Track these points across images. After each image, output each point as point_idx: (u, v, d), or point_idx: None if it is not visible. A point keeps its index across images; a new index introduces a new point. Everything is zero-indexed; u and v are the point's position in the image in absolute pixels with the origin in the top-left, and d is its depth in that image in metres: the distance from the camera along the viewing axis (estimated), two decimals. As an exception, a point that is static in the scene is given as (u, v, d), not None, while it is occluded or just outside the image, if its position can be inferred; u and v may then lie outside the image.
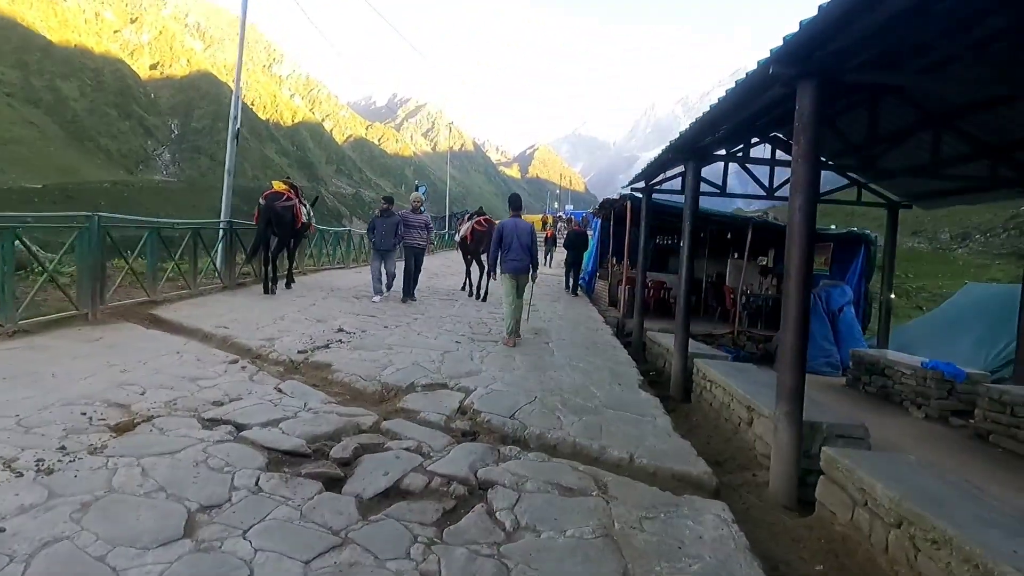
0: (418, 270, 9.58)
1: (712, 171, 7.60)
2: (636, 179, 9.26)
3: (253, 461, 2.96)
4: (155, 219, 7.02)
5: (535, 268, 6.94)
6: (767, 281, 13.33)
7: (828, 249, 12.27)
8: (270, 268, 9.00)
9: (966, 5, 3.57)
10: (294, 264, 9.91)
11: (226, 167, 9.22)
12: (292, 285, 9.39)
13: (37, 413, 3.24)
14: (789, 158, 8.21)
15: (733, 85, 4.49)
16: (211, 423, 3.43)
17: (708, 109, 5.02)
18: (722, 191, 8.73)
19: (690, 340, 7.23)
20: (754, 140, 7.80)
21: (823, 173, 5.62)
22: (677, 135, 6.55)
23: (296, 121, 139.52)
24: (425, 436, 3.66)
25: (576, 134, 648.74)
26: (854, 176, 9.26)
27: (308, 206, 10.33)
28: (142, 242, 6.46)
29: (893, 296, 10.76)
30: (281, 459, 3.06)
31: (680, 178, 8.61)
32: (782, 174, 8.54)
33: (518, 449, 3.63)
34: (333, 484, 2.89)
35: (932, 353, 9.84)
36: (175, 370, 4.34)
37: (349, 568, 2.17)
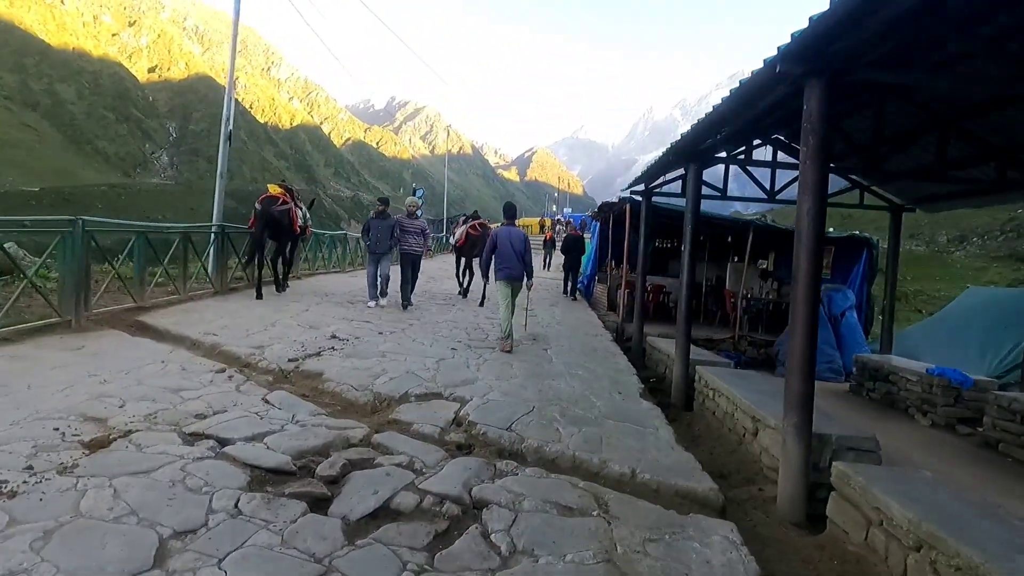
0: (415, 277, 9.33)
1: (711, 173, 7.45)
2: (636, 182, 9.11)
3: (234, 480, 2.79)
4: (142, 223, 6.84)
5: (529, 276, 6.93)
6: (767, 285, 13.19)
7: (830, 253, 12.14)
8: (274, 271, 9.05)
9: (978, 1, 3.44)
10: (289, 269, 9.83)
11: (218, 170, 9.05)
12: (286, 290, 9.23)
13: (6, 429, 3.07)
14: (791, 160, 8.16)
15: (734, 87, 4.36)
16: (192, 438, 3.26)
17: (711, 110, 4.88)
18: (723, 194, 8.60)
19: (691, 346, 7.09)
20: (756, 142, 7.65)
21: (826, 176, 5.51)
22: (676, 137, 6.42)
23: (294, 124, 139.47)
24: (418, 450, 3.49)
25: (574, 137, 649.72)
26: (856, 179, 9.13)
27: (304, 209, 10.32)
28: (129, 247, 6.29)
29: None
30: (264, 477, 2.89)
31: (680, 181, 8.48)
32: (783, 177, 8.43)
33: (515, 464, 3.47)
34: (318, 505, 2.72)
35: (936, 358, 9.71)
36: (158, 380, 4.17)
37: (331, 602, 2.01)
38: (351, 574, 2.18)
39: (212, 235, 8.37)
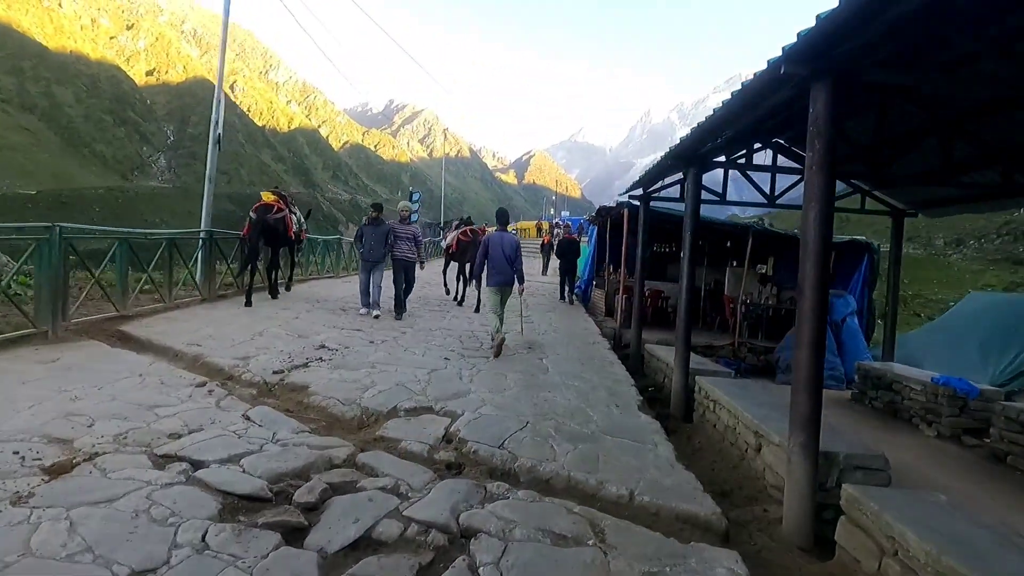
0: (409, 286, 8.99)
1: (709, 178, 7.31)
2: (634, 186, 8.95)
3: (204, 509, 2.60)
4: (124, 228, 6.64)
5: (520, 281, 6.96)
6: (767, 290, 13.04)
7: (830, 258, 11.99)
8: (267, 278, 8.92)
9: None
10: (278, 275, 9.68)
11: (207, 174, 8.86)
12: (290, 291, 9.09)
13: (-37, 452, 2.88)
14: (791, 164, 8.00)
15: (735, 89, 4.19)
16: (164, 460, 3.07)
17: (712, 113, 4.72)
18: (722, 198, 8.44)
19: (690, 353, 6.91)
20: (756, 146, 7.49)
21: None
22: (673, 141, 6.28)
23: (292, 127, 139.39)
24: (404, 472, 3.31)
25: (572, 140, 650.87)
26: (857, 183, 8.98)
27: (299, 215, 10.47)
28: (110, 253, 6.09)
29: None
30: (237, 505, 2.71)
31: (679, 185, 8.31)
32: (783, 181, 8.28)
33: (507, 486, 3.28)
34: (294, 535, 2.53)
35: (937, 365, 9.55)
36: (133, 396, 3.98)
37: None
38: (323, 619, 2.00)
39: (200, 241, 8.16)
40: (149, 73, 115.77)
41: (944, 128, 6.35)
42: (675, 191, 8.63)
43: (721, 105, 4.48)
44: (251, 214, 8.47)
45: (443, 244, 13.38)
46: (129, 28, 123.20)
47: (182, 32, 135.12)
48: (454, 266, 11.49)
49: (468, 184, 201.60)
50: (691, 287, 6.74)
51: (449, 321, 8.91)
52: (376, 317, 8.33)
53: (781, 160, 7.96)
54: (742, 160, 7.36)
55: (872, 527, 2.86)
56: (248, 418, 3.85)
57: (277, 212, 8.72)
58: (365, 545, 2.54)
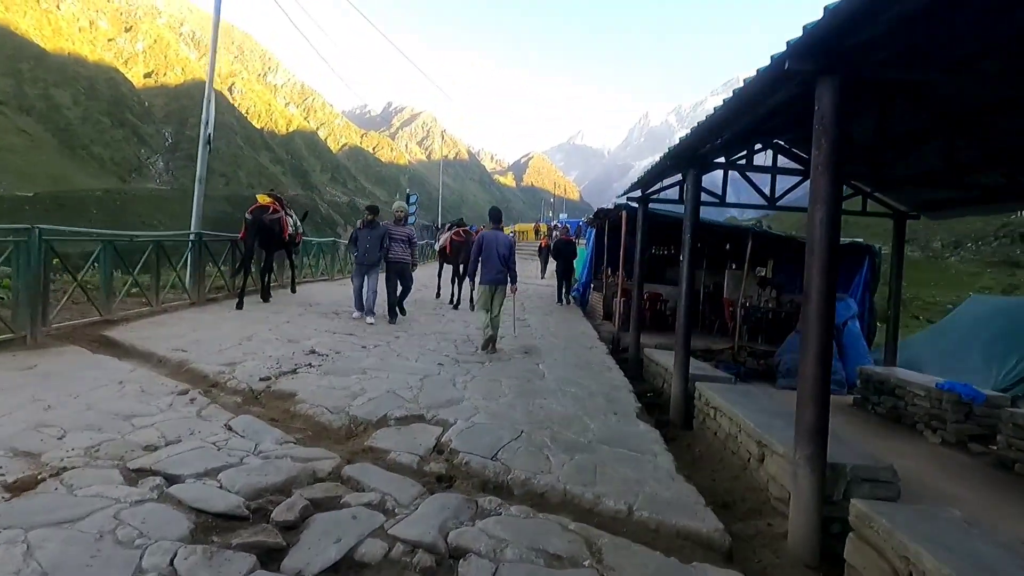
0: (406, 288, 8.73)
1: (709, 180, 7.18)
2: (632, 188, 8.80)
3: (175, 529, 2.44)
4: (107, 230, 6.48)
5: (513, 280, 7.04)
6: (766, 293, 12.90)
7: (837, 262, 11.86)
8: (261, 281, 8.81)
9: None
10: (271, 278, 9.57)
11: (197, 175, 8.70)
12: (269, 299, 8.89)
13: (-78, 468, 2.72)
14: (792, 165, 7.87)
15: (737, 87, 4.05)
16: (136, 475, 2.91)
17: (712, 112, 4.57)
18: (721, 200, 8.30)
19: (690, 358, 6.76)
20: (757, 147, 7.36)
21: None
22: (672, 143, 6.13)
23: (291, 130, 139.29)
24: (392, 485, 3.15)
25: (571, 143, 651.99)
26: (859, 185, 8.85)
27: (295, 217, 10.50)
28: (94, 256, 5.93)
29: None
30: (211, 524, 2.55)
31: (678, 187, 8.18)
32: (783, 183, 8.14)
33: (499, 501, 3.13)
34: (271, 557, 2.38)
35: (940, 368, 9.42)
36: (110, 405, 3.81)
37: None
38: (296, 654, 1.84)
39: (189, 243, 7.99)
40: (147, 75, 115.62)
41: (948, 129, 6.22)
42: (674, 193, 8.49)
43: (722, 104, 4.33)
44: (247, 215, 8.54)
45: (436, 246, 13.32)
46: (127, 30, 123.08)
47: (180, 34, 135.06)
48: (448, 269, 11.36)
49: (466, 186, 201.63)
50: (690, 290, 6.60)
51: (445, 325, 8.76)
52: (370, 323, 8.13)
53: (782, 161, 7.83)
54: (742, 161, 7.23)
55: (884, 546, 2.70)
56: (230, 428, 3.69)
57: (273, 213, 8.76)
58: (346, 567, 2.39)
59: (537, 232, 44.50)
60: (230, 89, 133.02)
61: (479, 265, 6.97)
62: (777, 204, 8.17)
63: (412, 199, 22.63)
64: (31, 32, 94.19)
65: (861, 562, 2.86)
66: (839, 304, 10.63)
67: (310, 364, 5.45)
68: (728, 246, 13.23)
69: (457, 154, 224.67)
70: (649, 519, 3.14)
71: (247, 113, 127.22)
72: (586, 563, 2.59)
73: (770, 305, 12.37)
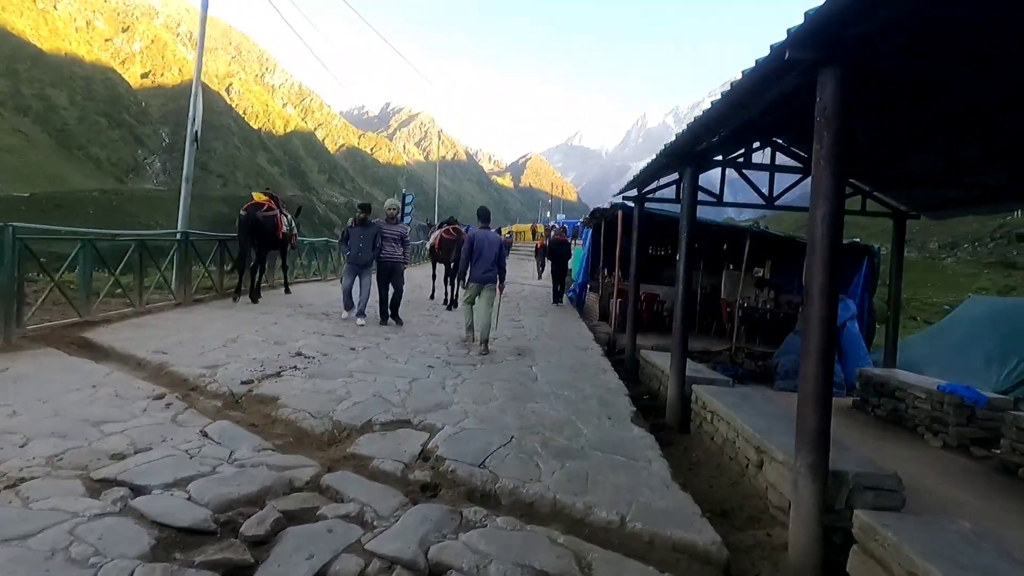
0: (398, 291, 8.36)
1: (706, 179, 7.05)
2: (628, 187, 8.65)
3: (134, 545, 2.28)
4: (88, 229, 6.31)
5: (502, 279, 7.17)
6: (764, 294, 12.77)
7: (840, 261, 11.73)
8: (251, 281, 8.70)
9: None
10: (262, 278, 9.44)
11: (184, 174, 8.53)
12: (258, 300, 8.72)
13: None
14: (791, 163, 7.73)
15: (733, 81, 3.90)
16: (100, 486, 2.75)
17: (709, 107, 4.42)
18: (719, 200, 8.16)
19: (687, 360, 6.61)
20: (755, 145, 7.22)
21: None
22: (670, 140, 5.98)
23: (288, 130, 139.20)
24: (373, 495, 3.00)
25: (568, 144, 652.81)
26: (858, 184, 8.72)
27: (290, 216, 10.47)
28: (72, 256, 5.76)
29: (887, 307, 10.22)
30: (174, 540, 2.38)
31: (674, 187, 8.03)
32: (782, 181, 8.01)
33: (485, 512, 2.97)
34: (236, 576, 2.22)
35: (940, 370, 9.29)
36: (80, 410, 3.65)
37: None
38: None
39: (175, 242, 7.82)
40: (144, 76, 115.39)
41: (950, 127, 6.08)
42: (671, 192, 8.35)
43: (720, 97, 4.18)
44: (241, 212, 8.61)
45: (427, 245, 13.23)
46: (124, 31, 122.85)
47: (178, 35, 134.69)
48: (442, 269, 11.23)
49: (464, 187, 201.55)
50: (687, 291, 6.46)
51: (437, 326, 8.60)
52: (361, 325, 7.91)
53: (781, 159, 7.69)
54: (740, 159, 7.09)
55: (890, 560, 2.56)
56: (206, 435, 3.53)
57: (267, 211, 8.81)
58: (318, 586, 2.23)
59: (534, 233, 44.34)
60: (227, 90, 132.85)
61: (469, 264, 7.02)
62: (776, 203, 8.03)
63: (408, 199, 22.46)
64: (28, 32, 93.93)
65: (866, 576, 2.71)
66: (838, 305, 10.51)
67: (295, 367, 5.28)
68: (726, 246, 13.10)
69: (455, 155, 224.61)
70: (643, 531, 2.99)
71: (244, 114, 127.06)
72: (575, 580, 2.43)
73: (768, 306, 12.24)
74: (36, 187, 60.38)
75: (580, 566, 2.55)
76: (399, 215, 8.64)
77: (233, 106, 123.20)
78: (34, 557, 2.12)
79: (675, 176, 7.71)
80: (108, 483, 2.77)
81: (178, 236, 7.90)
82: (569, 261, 15.51)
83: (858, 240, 12.35)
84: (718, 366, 9.77)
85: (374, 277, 8.25)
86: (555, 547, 2.69)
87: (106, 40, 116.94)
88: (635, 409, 5.28)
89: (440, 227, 11.79)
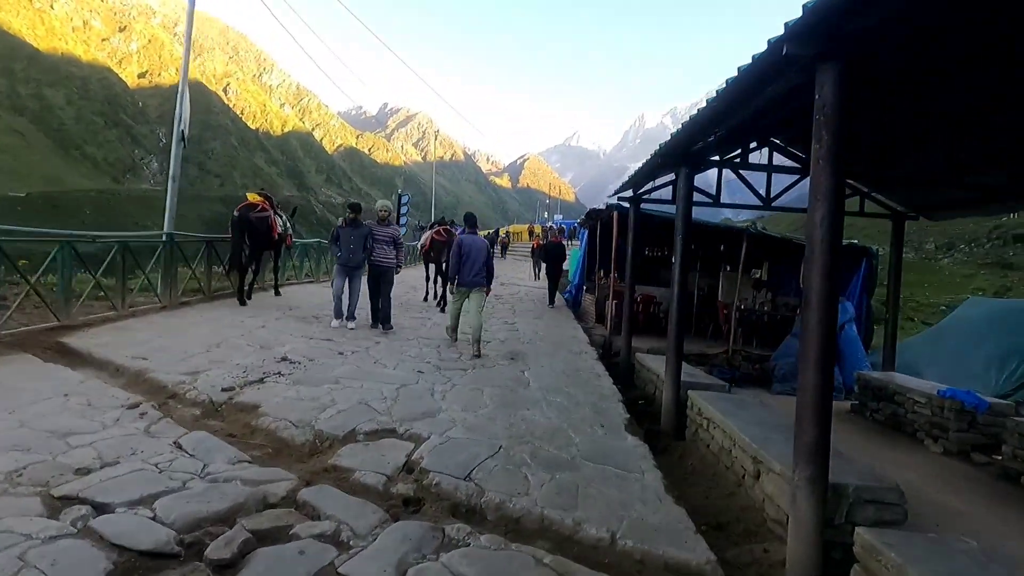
0: (386, 298, 8.02)
1: (703, 180, 6.92)
2: (623, 188, 8.52)
3: (89, 572, 2.13)
4: (66, 231, 6.15)
5: (489, 282, 7.36)
6: (761, 295, 12.66)
7: (840, 265, 11.62)
8: (240, 282, 8.57)
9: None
10: (254, 280, 9.31)
11: (170, 173, 8.36)
12: (246, 302, 8.57)
13: None
14: (789, 163, 7.60)
15: (728, 78, 3.77)
16: (61, 503, 2.60)
17: (704, 105, 4.29)
18: (715, 200, 8.03)
19: (683, 364, 6.48)
20: (752, 145, 7.08)
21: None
22: (667, 139, 5.84)
23: (286, 130, 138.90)
24: (351, 511, 2.85)
25: (566, 144, 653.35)
26: (856, 184, 8.60)
27: (284, 217, 10.36)
28: (50, 258, 5.59)
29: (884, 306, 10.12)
30: (133, 565, 2.24)
31: (671, 187, 7.90)
32: (779, 182, 7.88)
33: (468, 529, 2.83)
34: (197, 604, 2.08)
35: (938, 372, 9.18)
36: (48, 421, 3.49)
37: None
38: None
39: (160, 244, 7.65)
40: (141, 75, 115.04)
41: (951, 126, 5.96)
42: (667, 193, 8.22)
43: (715, 96, 4.05)
44: (234, 213, 8.56)
45: (418, 245, 13.17)
46: (121, 30, 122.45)
47: (175, 35, 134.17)
48: (434, 269, 11.14)
49: (462, 187, 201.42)
50: (683, 293, 6.33)
51: (430, 329, 8.45)
52: (351, 329, 7.72)
53: (778, 159, 7.56)
54: (737, 160, 6.96)
55: (894, 583, 2.42)
56: (179, 446, 3.38)
57: (261, 212, 8.76)
58: (285, 614, 2.09)
59: (531, 233, 44.21)
60: (225, 90, 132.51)
61: (459, 268, 7.14)
62: (773, 204, 7.90)
63: (404, 199, 22.29)
64: (24, 32, 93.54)
65: (867, 599, 2.58)
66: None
67: (280, 373, 5.13)
68: (723, 247, 12.99)
69: (453, 155, 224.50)
70: (634, 549, 2.85)
71: (242, 114, 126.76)
72: (560, 606, 2.29)
73: (765, 308, 12.13)
74: (32, 187, 60.13)
75: (567, 590, 2.41)
76: (391, 216, 8.37)
77: (231, 106, 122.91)
78: (-23, 586, 1.98)
79: (671, 176, 7.58)
80: (69, 500, 2.62)
81: (163, 237, 7.72)
82: (564, 263, 15.42)
83: (856, 241, 12.23)
84: (715, 369, 9.65)
85: (365, 279, 8.05)
86: (540, 568, 2.55)
87: (103, 40, 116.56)
88: (629, 416, 5.13)
89: (431, 228, 11.67)
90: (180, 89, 8.12)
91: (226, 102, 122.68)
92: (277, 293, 10.23)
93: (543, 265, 16.96)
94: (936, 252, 39.27)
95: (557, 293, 14.71)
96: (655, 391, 7.11)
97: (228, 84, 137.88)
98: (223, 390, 4.47)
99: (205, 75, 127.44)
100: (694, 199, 6.45)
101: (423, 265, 11.91)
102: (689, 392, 5.73)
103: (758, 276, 13.09)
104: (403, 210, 21.73)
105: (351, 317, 7.87)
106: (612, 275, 11.60)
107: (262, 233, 8.77)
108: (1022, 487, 5.47)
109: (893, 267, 9.31)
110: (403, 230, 21.32)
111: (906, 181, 7.71)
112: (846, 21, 2.71)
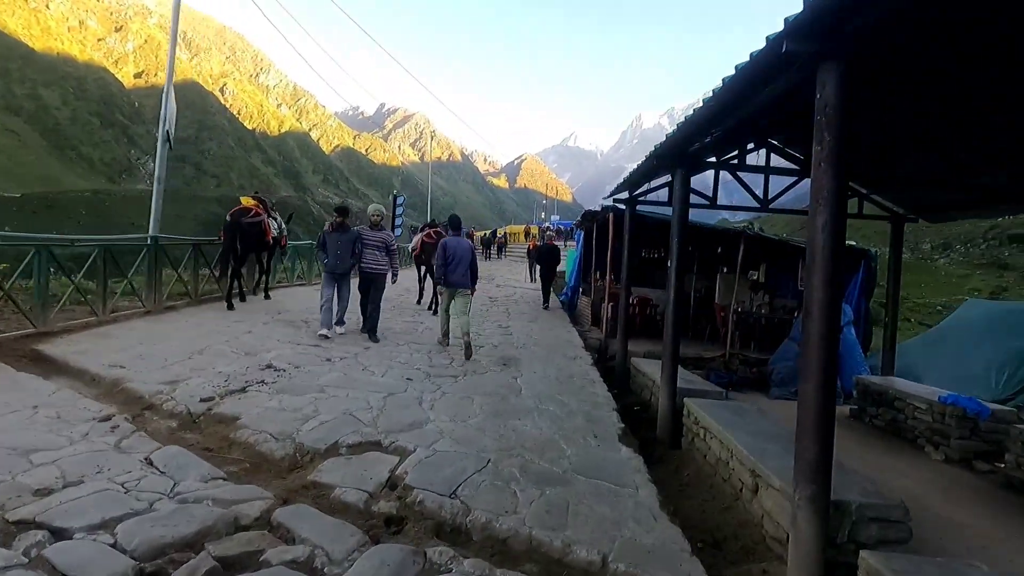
0: (376, 306, 7.64)
1: (699, 181, 6.79)
2: (619, 189, 8.37)
3: (35, 607, 1.98)
4: (41, 235, 5.98)
5: (474, 282, 7.43)
6: (759, 297, 12.52)
7: (842, 271, 11.51)
8: (228, 286, 8.45)
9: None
10: (268, 279, 9.26)
11: (155, 174, 8.18)
12: (233, 307, 8.41)
13: None
14: (787, 165, 7.47)
15: (724, 77, 3.62)
16: (15, 529, 2.44)
17: (700, 104, 4.14)
18: (712, 202, 7.89)
19: (680, 370, 6.34)
20: (749, 146, 6.95)
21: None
22: (663, 139, 5.70)
23: (283, 131, 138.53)
24: (328, 534, 2.70)
25: (564, 145, 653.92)
26: (854, 186, 8.47)
27: (279, 220, 10.35)
28: (26, 262, 5.41)
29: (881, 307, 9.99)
30: (86, 599, 2.08)
31: (667, 188, 7.76)
32: (776, 184, 7.75)
33: (452, 553, 2.67)
34: (152, 643, 1.92)
35: (938, 376, 9.07)
36: (11, 437, 3.32)
37: None
38: None
39: (144, 247, 7.46)
40: (137, 75, 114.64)
41: (952, 127, 5.83)
42: (664, 194, 8.08)
43: (711, 95, 3.90)
44: (227, 217, 8.55)
45: (409, 248, 13.02)
46: (117, 30, 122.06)
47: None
48: (426, 271, 11.04)
49: (460, 188, 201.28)
50: (680, 296, 6.18)
51: (421, 333, 8.29)
52: (341, 334, 7.50)
53: (776, 160, 7.42)
54: (734, 161, 6.83)
55: (901, 613, 2.28)
56: (150, 463, 3.22)
57: (253, 216, 8.76)
58: (249, 653, 1.93)
59: (527, 234, 44.06)
60: (222, 90, 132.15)
61: (444, 270, 7.23)
62: (771, 206, 7.77)
63: (400, 200, 22.09)
64: (19, 31, 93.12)
65: (873, 629, 2.43)
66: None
67: (263, 381, 4.97)
68: (720, 249, 12.86)
69: (450, 156, 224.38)
70: (626, 573, 2.70)
71: (239, 114, 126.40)
72: (545, 641, 2.14)
73: (763, 310, 12.00)
74: (28, 188, 59.83)
75: (553, 621, 2.26)
76: (383, 221, 8.07)
77: (227, 106, 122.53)
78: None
79: (668, 178, 7.44)
80: (25, 525, 2.46)
81: (148, 240, 7.54)
82: (559, 265, 15.32)
83: (854, 243, 12.11)
84: (712, 373, 9.51)
85: (355, 285, 7.81)
86: (527, 597, 2.40)
87: (99, 40, 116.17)
88: (623, 425, 4.98)
89: (422, 230, 11.52)
90: (165, 88, 7.95)
91: (223, 102, 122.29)
92: (267, 296, 10.07)
93: (538, 267, 16.82)
94: (932, 252, 39.33)
95: (553, 296, 14.57)
96: (651, 397, 6.96)
97: (225, 84, 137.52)
98: (202, 400, 4.31)
99: (202, 75, 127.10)
100: (691, 200, 6.32)
101: (415, 267, 11.76)
102: (685, 400, 5.58)
103: (755, 278, 12.96)
104: (398, 211, 21.52)
105: (340, 322, 7.64)
106: (608, 277, 11.46)
107: (253, 237, 8.82)
108: (1026, 497, 5.34)
109: (892, 270, 9.18)
110: (399, 232, 21.12)
111: (906, 182, 7.59)
112: (849, 16, 2.57)
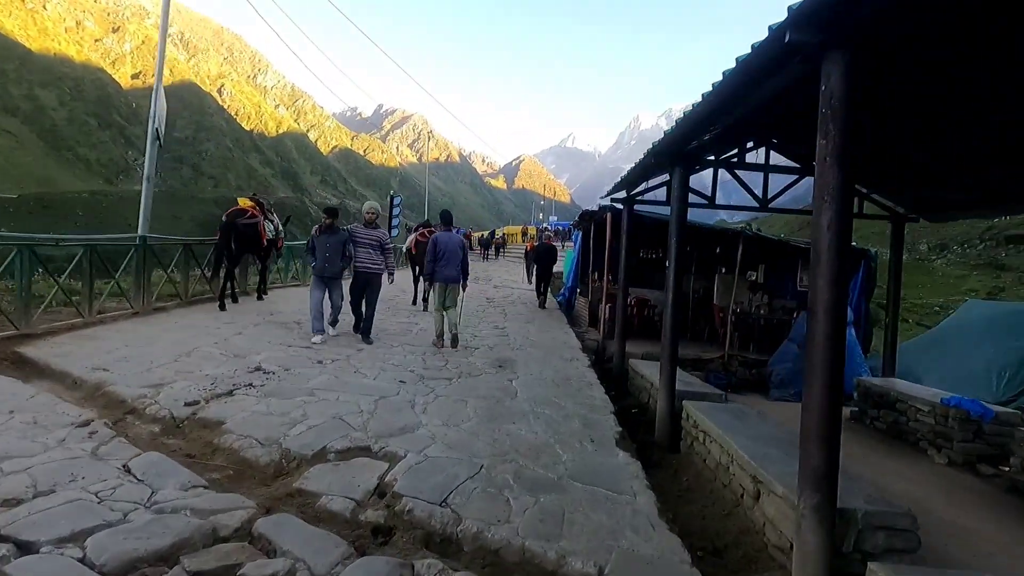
0: (370, 306, 7.44)
1: (698, 180, 6.68)
2: (616, 188, 8.26)
3: (-8, 629, 1.86)
4: (25, 234, 5.84)
5: (465, 277, 7.45)
6: (757, 298, 12.41)
7: (847, 273, 11.43)
8: (221, 287, 8.37)
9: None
10: (236, 285, 9.08)
11: (144, 174, 8.04)
12: (263, 299, 8.45)
13: None
14: (787, 163, 7.37)
15: (724, 70, 3.51)
16: (-22, 542, 2.31)
17: (699, 99, 4.02)
18: (711, 202, 7.78)
19: (678, 371, 6.22)
20: (748, 144, 6.84)
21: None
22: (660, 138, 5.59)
23: (281, 132, 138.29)
24: (311, 546, 2.57)
25: (562, 146, 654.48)
26: (855, 185, 8.38)
27: (276, 222, 10.28)
28: (7, 262, 5.27)
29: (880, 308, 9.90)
30: (47, 618, 1.96)
31: (665, 187, 7.64)
32: (776, 183, 7.65)
33: (441, 566, 2.55)
34: (117, 667, 1.79)
35: (938, 377, 8.97)
36: (-15, 443, 3.20)
37: None
38: None
39: (132, 248, 7.32)
40: (135, 76, 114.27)
41: (956, 123, 5.73)
42: (662, 193, 7.97)
43: (710, 90, 3.79)
44: (223, 218, 8.61)
45: (403, 248, 12.95)
46: (115, 31, 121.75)
47: (168, 35, 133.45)
48: (417, 270, 10.97)
49: (458, 188, 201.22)
50: (678, 297, 6.07)
51: (415, 334, 8.16)
52: (334, 336, 7.34)
53: (775, 159, 7.32)
54: (734, 159, 6.72)
55: (912, 630, 2.16)
56: (128, 470, 3.09)
57: (250, 218, 8.80)
58: (220, 677, 1.81)
59: (525, 235, 43.98)
60: (220, 91, 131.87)
61: (435, 265, 7.24)
62: (770, 205, 7.66)
63: (396, 200, 21.95)
64: (16, 32, 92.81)
65: (882, 645, 2.32)
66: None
67: (251, 384, 4.83)
68: (718, 249, 12.76)
69: (448, 156, 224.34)
70: (623, 587, 2.58)
71: (236, 115, 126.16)
72: (537, 662, 2.02)
73: (762, 311, 11.89)
74: (25, 188, 59.60)
75: (545, 640, 2.14)
76: (379, 219, 7.86)
77: (225, 107, 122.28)
78: None
79: (666, 177, 7.33)
80: (-11, 538, 2.33)
81: (136, 240, 7.40)
82: (555, 266, 15.27)
83: (854, 243, 12.01)
84: (711, 374, 9.40)
85: (347, 288, 7.60)
86: (518, 613, 2.28)
87: (96, 40, 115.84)
88: (621, 429, 4.86)
89: (416, 230, 11.41)
90: (155, 87, 7.82)
91: (220, 103, 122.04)
92: (260, 297, 9.96)
93: (535, 267, 16.75)
94: (929, 253, 39.33)
95: (551, 296, 14.47)
96: (649, 399, 6.84)
97: (223, 85, 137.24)
98: (186, 404, 4.18)
99: (199, 76, 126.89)
100: (689, 200, 6.21)
101: (410, 267, 11.65)
102: (684, 402, 5.47)
103: (754, 278, 12.85)
104: (395, 212, 21.39)
105: (333, 323, 7.47)
106: (606, 278, 11.35)
107: (249, 238, 8.86)
108: (1032, 502, 5.23)
109: (893, 270, 9.08)
110: (395, 232, 20.97)
111: (907, 181, 7.48)
112: (855, 4, 2.45)
